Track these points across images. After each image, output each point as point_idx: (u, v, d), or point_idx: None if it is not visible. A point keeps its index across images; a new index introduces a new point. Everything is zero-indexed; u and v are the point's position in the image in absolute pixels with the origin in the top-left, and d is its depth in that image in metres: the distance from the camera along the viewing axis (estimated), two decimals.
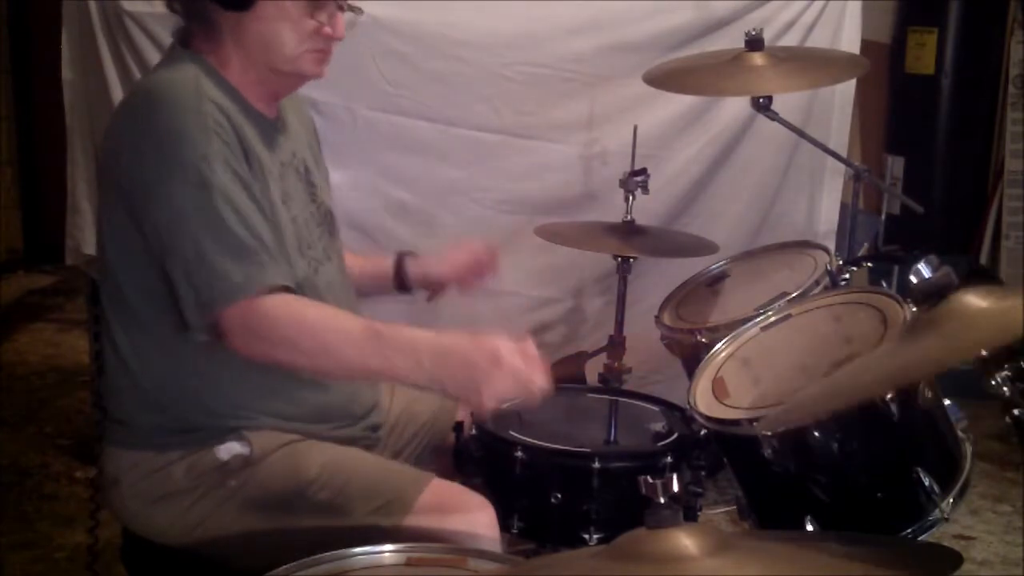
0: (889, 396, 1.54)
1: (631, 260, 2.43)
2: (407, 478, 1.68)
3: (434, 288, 2.03)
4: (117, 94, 2.74)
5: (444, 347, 1.52)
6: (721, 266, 2.47)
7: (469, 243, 2.06)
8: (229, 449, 1.65)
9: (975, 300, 1.13)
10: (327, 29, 1.67)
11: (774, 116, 2.45)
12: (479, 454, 1.86)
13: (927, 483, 1.57)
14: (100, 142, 1.75)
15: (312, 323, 1.57)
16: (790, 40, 3.02)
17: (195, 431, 1.66)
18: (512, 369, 1.47)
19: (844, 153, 3.09)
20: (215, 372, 1.64)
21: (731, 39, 2.68)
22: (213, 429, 1.66)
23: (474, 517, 1.64)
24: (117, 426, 1.71)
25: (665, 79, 2.44)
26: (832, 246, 2.89)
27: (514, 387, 1.48)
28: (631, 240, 2.42)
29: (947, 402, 1.66)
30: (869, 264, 2.53)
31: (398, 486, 1.65)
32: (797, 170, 3.20)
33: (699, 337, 2.14)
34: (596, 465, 1.79)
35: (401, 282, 2.00)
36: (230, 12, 1.63)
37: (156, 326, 1.64)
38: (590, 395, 2.20)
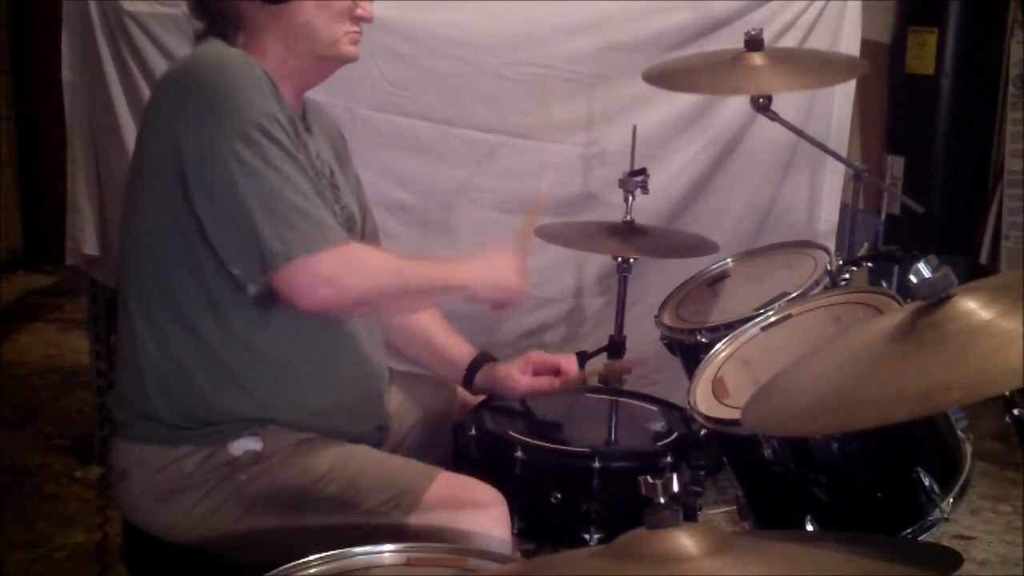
0: None
1: (631, 260, 2.42)
2: (416, 472, 1.69)
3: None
4: (117, 94, 2.75)
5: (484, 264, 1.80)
6: (721, 266, 2.46)
7: (543, 360, 2.03)
8: (241, 445, 1.66)
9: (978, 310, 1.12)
10: (359, 11, 1.74)
11: (774, 116, 2.45)
12: (479, 454, 1.86)
13: (927, 483, 1.57)
14: (140, 124, 1.74)
15: (382, 257, 1.73)
16: (790, 40, 3.02)
17: (208, 426, 1.66)
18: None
19: (844, 153, 3.09)
20: (232, 370, 1.65)
21: (731, 39, 2.67)
22: (226, 426, 1.66)
23: (485, 509, 1.66)
24: (128, 420, 1.71)
25: (665, 79, 2.43)
26: (832, 246, 2.89)
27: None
28: (631, 240, 2.42)
29: None
30: (869, 264, 2.52)
31: (407, 479, 1.66)
32: (797, 170, 3.20)
33: (699, 337, 2.14)
34: (596, 465, 1.79)
35: (468, 381, 2.01)
36: (271, 5, 1.66)
37: (188, 317, 1.64)
38: (590, 395, 2.20)
